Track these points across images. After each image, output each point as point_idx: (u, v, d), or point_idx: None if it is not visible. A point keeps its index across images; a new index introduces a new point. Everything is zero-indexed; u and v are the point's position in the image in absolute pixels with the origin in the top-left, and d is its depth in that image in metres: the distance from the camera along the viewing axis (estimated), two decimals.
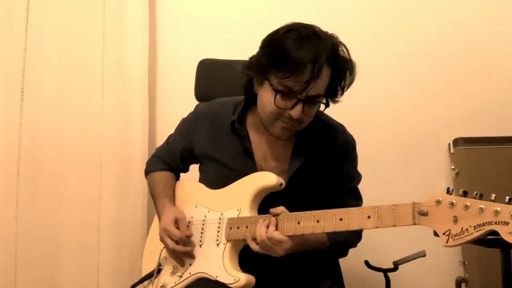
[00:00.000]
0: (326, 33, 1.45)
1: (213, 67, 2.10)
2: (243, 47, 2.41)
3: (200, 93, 2.05)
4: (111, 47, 2.43)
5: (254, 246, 1.43)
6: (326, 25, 1.49)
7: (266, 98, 1.47)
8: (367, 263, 1.66)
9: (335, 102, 1.51)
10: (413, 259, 1.64)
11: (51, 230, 2.36)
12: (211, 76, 2.08)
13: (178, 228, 1.56)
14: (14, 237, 2.35)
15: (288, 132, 1.51)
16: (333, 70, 1.45)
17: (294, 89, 1.41)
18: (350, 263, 1.74)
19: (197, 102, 2.02)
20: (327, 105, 1.50)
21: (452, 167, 2.32)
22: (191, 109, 1.77)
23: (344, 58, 1.46)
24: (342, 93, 1.50)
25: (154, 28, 2.54)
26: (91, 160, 2.39)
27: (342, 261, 1.73)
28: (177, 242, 1.54)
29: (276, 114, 1.46)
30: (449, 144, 2.36)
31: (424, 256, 1.62)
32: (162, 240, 1.57)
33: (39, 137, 2.39)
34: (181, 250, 1.54)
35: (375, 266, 1.66)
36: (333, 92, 1.49)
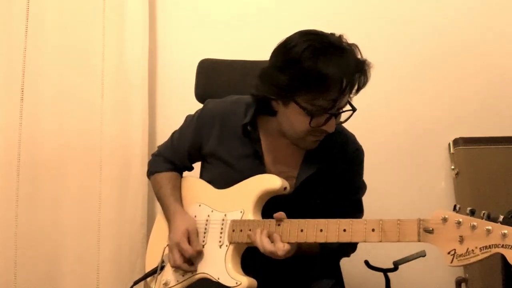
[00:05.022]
0: (341, 41, 1.42)
1: (213, 67, 2.09)
2: (244, 47, 2.46)
3: (200, 93, 2.05)
4: (111, 47, 2.43)
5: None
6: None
7: (296, 120, 1.44)
8: (367, 263, 1.66)
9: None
10: (413, 259, 1.63)
11: (51, 230, 2.36)
12: (211, 76, 2.07)
13: (189, 240, 1.53)
14: (14, 237, 2.35)
15: (319, 142, 1.51)
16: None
17: (325, 106, 1.39)
18: (350, 263, 1.74)
19: (197, 102, 2.02)
20: (355, 109, 1.47)
21: (452, 167, 2.32)
22: (191, 109, 1.76)
23: (365, 65, 1.43)
24: (357, 93, 1.47)
25: (154, 28, 2.54)
26: (91, 160, 2.39)
27: (342, 261, 1.73)
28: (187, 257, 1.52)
29: (309, 131, 1.45)
30: (449, 144, 2.36)
31: (424, 256, 1.61)
32: (171, 251, 1.55)
33: (39, 137, 2.39)
34: (185, 269, 1.52)
35: (375, 266, 1.66)
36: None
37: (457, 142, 2.31)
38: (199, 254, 1.53)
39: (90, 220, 2.36)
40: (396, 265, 1.63)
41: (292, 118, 1.46)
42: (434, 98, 2.44)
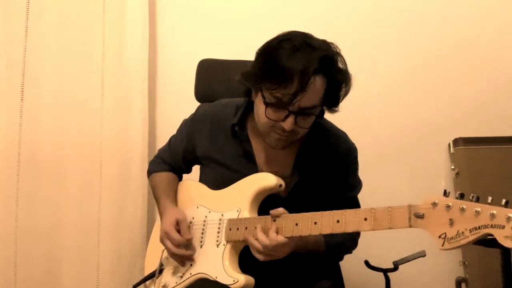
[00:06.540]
0: (321, 43, 1.41)
1: (213, 67, 2.10)
2: (243, 47, 2.43)
3: (200, 93, 2.05)
4: (111, 47, 2.43)
5: (258, 256, 1.42)
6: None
7: (260, 110, 1.46)
8: (367, 263, 1.66)
9: (332, 111, 1.49)
10: (413, 259, 1.64)
11: (51, 230, 2.36)
12: (211, 76, 2.08)
13: (179, 230, 1.56)
14: (14, 237, 2.35)
15: (283, 143, 1.50)
16: (328, 80, 1.41)
17: (283, 100, 1.38)
18: (350, 263, 1.74)
19: (197, 102, 2.02)
20: (319, 117, 1.48)
21: (452, 167, 2.32)
22: (191, 109, 1.77)
23: (337, 68, 1.42)
24: (338, 104, 1.48)
25: (154, 28, 2.54)
26: (91, 160, 2.39)
27: (342, 261, 1.73)
28: (177, 246, 1.54)
29: (270, 125, 1.45)
30: (449, 144, 2.36)
31: (424, 256, 1.62)
32: (162, 242, 1.58)
33: (39, 137, 2.39)
34: (181, 254, 1.54)
35: (375, 266, 1.66)
36: (330, 101, 1.46)
37: (457, 142, 2.31)
38: (189, 242, 1.55)
39: (90, 220, 2.36)
40: (396, 265, 1.64)
41: (258, 108, 1.48)
42: (434, 98, 2.44)
